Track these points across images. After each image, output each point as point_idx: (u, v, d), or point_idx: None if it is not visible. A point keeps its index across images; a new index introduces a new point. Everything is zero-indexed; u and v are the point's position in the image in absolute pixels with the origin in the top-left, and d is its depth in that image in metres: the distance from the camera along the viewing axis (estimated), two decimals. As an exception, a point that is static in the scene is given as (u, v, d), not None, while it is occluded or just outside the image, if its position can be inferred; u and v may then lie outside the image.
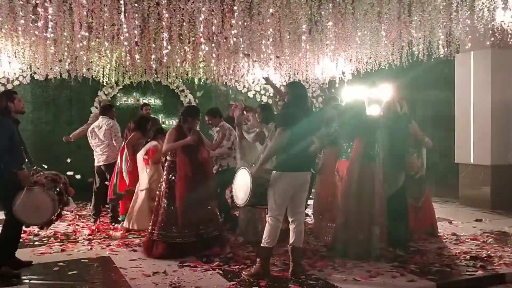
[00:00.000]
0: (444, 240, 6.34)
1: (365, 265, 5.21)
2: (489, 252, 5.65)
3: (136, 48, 7.37)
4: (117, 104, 10.96)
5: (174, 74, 10.31)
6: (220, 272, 5.02)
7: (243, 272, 4.91)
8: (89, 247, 6.07)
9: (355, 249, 5.38)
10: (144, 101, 11.30)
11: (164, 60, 7.73)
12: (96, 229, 7.01)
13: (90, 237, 6.62)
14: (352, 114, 5.72)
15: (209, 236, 5.67)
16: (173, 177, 5.65)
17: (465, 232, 6.80)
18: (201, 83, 10.62)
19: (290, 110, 4.89)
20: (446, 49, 8.11)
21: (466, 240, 6.33)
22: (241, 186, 5.12)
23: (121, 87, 11.11)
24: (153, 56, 8.34)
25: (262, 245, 4.86)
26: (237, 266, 5.18)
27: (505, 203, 8.70)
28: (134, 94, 11.34)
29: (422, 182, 6.50)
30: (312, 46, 8.39)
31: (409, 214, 6.07)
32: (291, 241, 4.90)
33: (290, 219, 4.96)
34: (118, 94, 11.21)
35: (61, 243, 6.25)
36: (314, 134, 4.93)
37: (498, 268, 5.09)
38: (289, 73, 10.29)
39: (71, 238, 6.57)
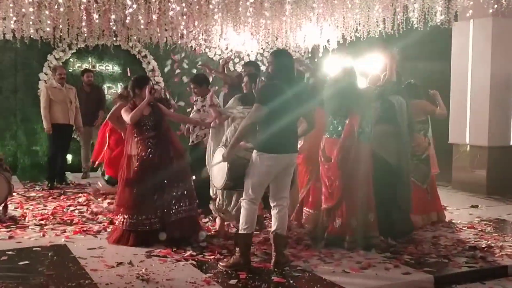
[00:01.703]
0: (439, 228, 6.42)
1: (355, 255, 5.23)
2: (489, 242, 5.76)
3: (94, 6, 7.17)
4: (70, 70, 10.66)
5: (136, 38, 10.07)
6: (194, 263, 4.97)
7: (220, 263, 4.88)
8: (42, 234, 5.93)
9: (350, 238, 5.39)
10: (100, 67, 11.05)
11: (127, 21, 7.52)
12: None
13: (42, 222, 6.47)
14: (343, 85, 5.65)
15: (178, 218, 5.58)
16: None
17: (461, 219, 6.92)
18: (167, 48, 10.37)
19: (272, 84, 4.83)
20: (444, 17, 8.15)
21: (463, 228, 6.45)
22: (219, 167, 5.07)
23: (74, 51, 10.80)
24: (113, 16, 8.13)
25: (240, 232, 4.83)
26: (212, 256, 5.14)
27: (501, 188, 8.89)
28: (89, 59, 11.03)
29: (428, 161, 6.65)
30: (295, 10, 8.30)
31: (415, 198, 6.15)
32: (273, 227, 4.88)
33: (272, 204, 4.93)
34: (71, 59, 10.90)
35: (9, 229, 6.09)
36: (301, 110, 4.88)
37: (499, 259, 5.18)
38: (267, 39, 10.18)
39: (20, 223, 6.42)
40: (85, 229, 6.16)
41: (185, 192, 5.67)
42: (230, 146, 4.82)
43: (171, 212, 5.54)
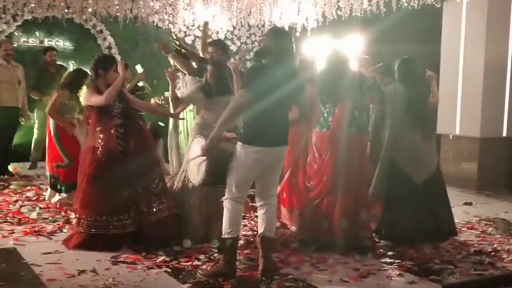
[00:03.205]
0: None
1: (350, 260, 5.00)
2: (494, 245, 5.60)
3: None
4: (15, 45, 10.06)
5: (90, 10, 9.57)
6: (168, 270, 4.64)
7: (199, 271, 4.55)
8: (-14, 236, 5.52)
9: (342, 241, 5.15)
10: (50, 42, 10.49)
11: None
12: None
13: (-14, 221, 6.04)
14: (333, 70, 5.40)
15: (160, 217, 5.25)
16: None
17: (458, 218, 6.72)
18: (126, 22, 9.91)
19: (260, 66, 4.56)
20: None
21: (462, 229, 6.27)
22: (195, 161, 4.74)
23: (19, 23, 10.22)
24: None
25: (223, 236, 4.53)
26: (189, 263, 4.82)
27: (493, 183, 8.81)
28: (37, 33, 10.48)
29: None
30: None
31: None
32: (260, 230, 4.59)
33: (258, 203, 4.66)
34: (16, 33, 10.32)
35: None
36: (294, 97, 4.61)
37: (509, 265, 5.03)
38: (237, 16, 9.87)
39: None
40: (37, 229, 5.75)
41: (164, 187, 5.35)
42: (210, 139, 4.48)
43: (151, 210, 5.18)
